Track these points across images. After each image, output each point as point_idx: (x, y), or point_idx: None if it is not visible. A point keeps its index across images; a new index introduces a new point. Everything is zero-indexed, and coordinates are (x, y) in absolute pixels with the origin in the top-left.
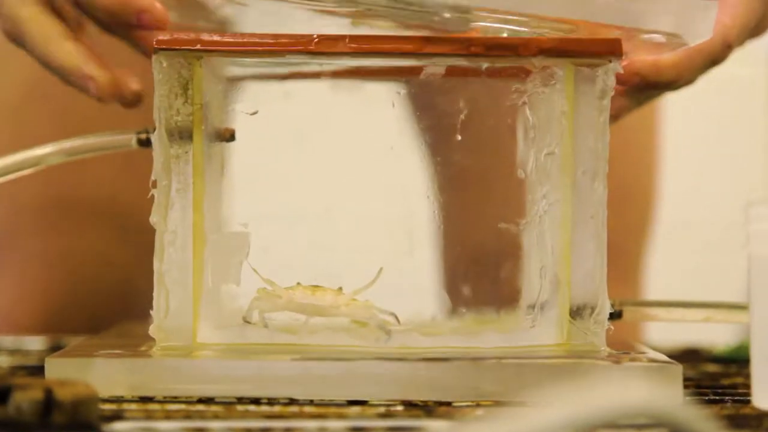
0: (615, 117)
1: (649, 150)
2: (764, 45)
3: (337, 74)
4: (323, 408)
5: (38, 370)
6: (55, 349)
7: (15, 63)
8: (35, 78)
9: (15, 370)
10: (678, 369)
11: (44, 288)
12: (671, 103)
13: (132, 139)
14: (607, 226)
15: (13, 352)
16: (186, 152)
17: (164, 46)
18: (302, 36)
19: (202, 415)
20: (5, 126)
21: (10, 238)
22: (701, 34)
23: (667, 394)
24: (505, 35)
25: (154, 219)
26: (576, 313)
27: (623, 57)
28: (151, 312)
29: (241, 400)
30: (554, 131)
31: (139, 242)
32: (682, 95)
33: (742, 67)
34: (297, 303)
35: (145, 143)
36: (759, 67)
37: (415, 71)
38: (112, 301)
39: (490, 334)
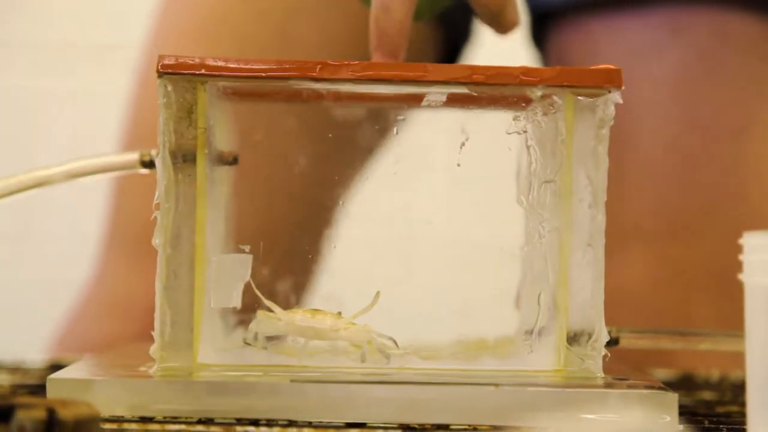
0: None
1: None
2: None
3: (338, 99)
4: (321, 430)
5: (39, 389)
6: (54, 367)
7: None
8: None
9: (16, 389)
10: (674, 397)
11: None
12: None
13: (136, 160)
14: None
15: (13, 370)
16: (189, 175)
17: (169, 71)
18: (306, 62)
19: None
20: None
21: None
22: None
23: (662, 423)
24: None
25: (156, 241)
26: (573, 339)
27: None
28: (152, 333)
29: (240, 421)
30: (554, 159)
31: None
32: None
33: None
34: (297, 326)
35: (149, 165)
36: None
37: (417, 98)
38: None
39: (488, 359)
